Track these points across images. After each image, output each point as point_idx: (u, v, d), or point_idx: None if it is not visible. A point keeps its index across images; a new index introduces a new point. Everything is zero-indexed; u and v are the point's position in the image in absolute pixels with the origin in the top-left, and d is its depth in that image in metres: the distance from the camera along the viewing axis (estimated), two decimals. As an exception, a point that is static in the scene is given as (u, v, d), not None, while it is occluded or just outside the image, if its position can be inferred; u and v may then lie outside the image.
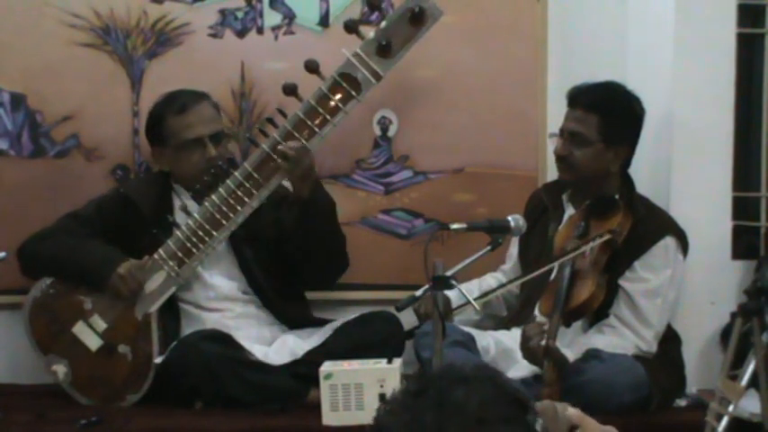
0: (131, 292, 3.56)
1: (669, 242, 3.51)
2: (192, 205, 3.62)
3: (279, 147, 3.49)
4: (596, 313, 3.45)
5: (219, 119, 3.71)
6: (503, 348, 3.53)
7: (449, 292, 3.23)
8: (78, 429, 3.31)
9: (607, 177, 3.54)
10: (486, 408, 1.42)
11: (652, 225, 3.51)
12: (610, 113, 3.51)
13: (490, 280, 3.75)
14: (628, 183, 3.57)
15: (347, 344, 3.54)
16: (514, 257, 3.78)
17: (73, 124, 3.91)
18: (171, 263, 3.58)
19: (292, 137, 3.53)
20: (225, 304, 3.70)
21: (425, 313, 3.46)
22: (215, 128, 3.64)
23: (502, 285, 3.59)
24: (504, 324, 3.67)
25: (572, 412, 1.65)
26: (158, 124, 3.66)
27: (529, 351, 3.30)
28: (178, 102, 3.63)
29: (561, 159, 3.57)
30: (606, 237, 3.38)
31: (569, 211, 3.63)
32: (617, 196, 3.51)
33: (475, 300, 3.13)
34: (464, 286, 3.50)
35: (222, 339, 3.53)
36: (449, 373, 1.47)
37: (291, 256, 3.66)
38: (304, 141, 3.51)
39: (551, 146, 3.65)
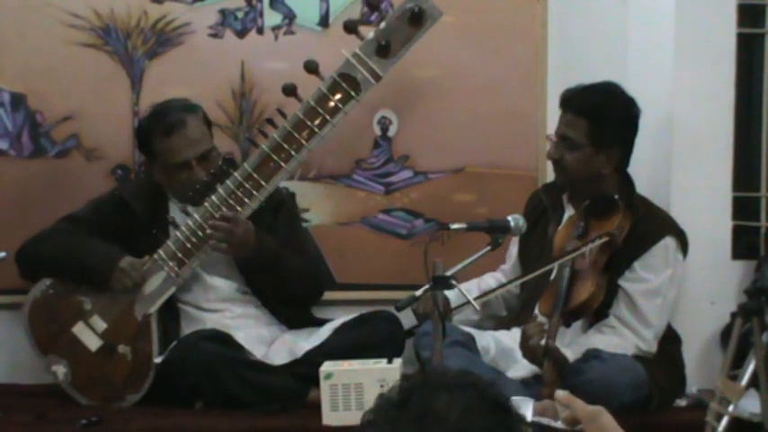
0: (134, 286, 3.56)
1: (669, 242, 3.51)
2: (191, 207, 3.61)
3: (210, 221, 3.51)
4: (596, 313, 3.45)
5: (208, 135, 3.65)
6: (503, 348, 3.53)
7: (448, 292, 3.23)
8: (78, 429, 3.31)
9: (602, 179, 3.53)
10: (467, 417, 1.42)
11: (652, 225, 3.51)
12: (599, 117, 3.49)
13: (489, 280, 3.75)
14: (627, 183, 3.57)
15: (347, 343, 3.54)
16: (514, 257, 3.78)
17: (73, 124, 3.91)
18: (171, 263, 3.58)
19: (292, 138, 3.52)
20: (224, 305, 3.70)
21: (424, 313, 3.46)
22: (202, 148, 3.60)
23: (501, 285, 3.59)
24: (505, 324, 3.67)
25: (560, 394, 1.65)
26: (146, 142, 3.65)
27: (528, 350, 3.30)
28: (164, 122, 3.58)
29: (554, 162, 3.58)
30: (604, 239, 3.38)
31: (569, 211, 3.63)
32: (616, 196, 3.51)
33: (474, 299, 3.12)
34: (463, 286, 3.51)
35: (222, 339, 3.53)
36: (431, 381, 1.46)
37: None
38: (250, 197, 3.52)
39: (548, 146, 3.65)
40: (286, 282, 3.65)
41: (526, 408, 1.54)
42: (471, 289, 3.59)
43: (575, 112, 3.51)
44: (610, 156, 3.52)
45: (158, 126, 3.60)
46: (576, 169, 3.52)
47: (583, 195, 3.55)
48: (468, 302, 3.01)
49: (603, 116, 3.50)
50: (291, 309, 3.75)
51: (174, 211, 3.64)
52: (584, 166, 3.51)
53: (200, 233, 3.55)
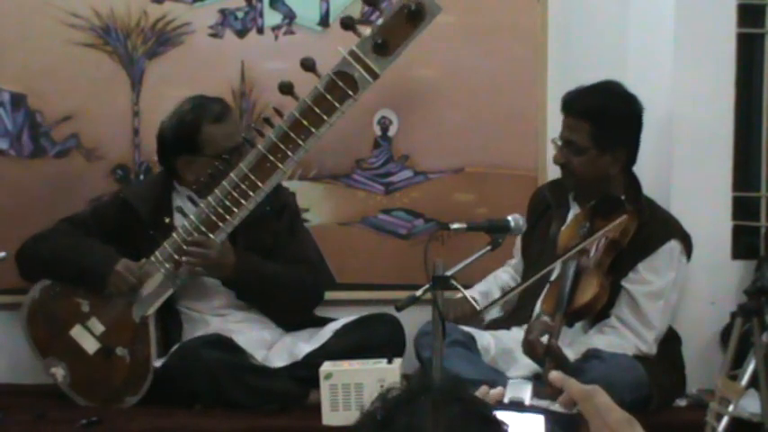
0: (131, 289, 3.55)
1: (674, 245, 3.50)
2: (188, 208, 3.59)
3: (184, 247, 3.51)
4: (598, 313, 3.45)
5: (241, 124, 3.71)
6: (503, 348, 3.52)
7: (474, 295, 3.25)
8: (78, 429, 3.31)
9: (609, 179, 3.52)
10: None
11: (657, 228, 3.49)
12: (601, 119, 3.47)
13: (503, 276, 3.75)
14: (634, 184, 3.55)
15: (347, 346, 3.53)
16: (520, 253, 3.78)
17: (73, 124, 3.91)
18: (167, 265, 3.55)
19: (288, 138, 3.49)
20: (226, 310, 3.68)
21: (455, 318, 3.45)
22: (242, 135, 3.62)
23: (520, 284, 3.54)
24: (505, 324, 3.66)
25: (553, 375, 1.63)
26: (192, 135, 3.56)
27: (528, 344, 3.28)
28: (213, 110, 3.57)
29: (561, 166, 3.57)
30: (611, 236, 3.36)
31: (575, 209, 3.62)
32: (623, 197, 3.50)
33: (499, 300, 3.17)
34: (480, 286, 3.58)
35: (223, 344, 3.50)
36: (415, 396, 1.44)
37: None
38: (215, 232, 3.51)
39: (554, 150, 3.63)
40: (277, 295, 3.64)
41: (525, 391, 1.52)
42: (491, 289, 3.64)
43: (576, 115, 3.50)
44: (616, 156, 3.50)
45: (207, 114, 3.56)
46: (583, 172, 3.51)
47: (590, 196, 3.54)
48: (475, 303, 3.03)
49: (605, 118, 3.48)
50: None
51: (176, 212, 3.63)
52: (591, 169, 3.50)
53: (195, 234, 3.53)
